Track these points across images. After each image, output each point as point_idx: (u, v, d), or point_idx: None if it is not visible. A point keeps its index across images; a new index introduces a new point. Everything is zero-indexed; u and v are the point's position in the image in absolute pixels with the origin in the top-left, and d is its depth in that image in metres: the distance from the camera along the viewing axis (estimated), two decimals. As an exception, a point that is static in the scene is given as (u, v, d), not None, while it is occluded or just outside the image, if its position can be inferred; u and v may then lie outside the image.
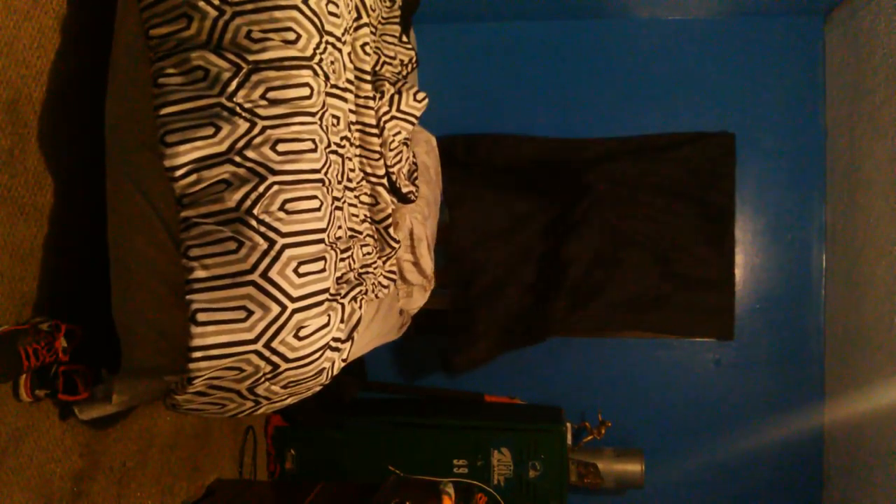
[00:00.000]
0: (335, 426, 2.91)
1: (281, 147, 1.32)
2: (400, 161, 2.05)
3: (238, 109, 1.31)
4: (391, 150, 1.95)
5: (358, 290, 1.59)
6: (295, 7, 1.35)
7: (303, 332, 1.31)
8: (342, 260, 1.57)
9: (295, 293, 1.28)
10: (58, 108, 1.56)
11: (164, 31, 1.36)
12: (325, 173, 1.42)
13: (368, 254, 1.87)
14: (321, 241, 1.35)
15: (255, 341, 1.26)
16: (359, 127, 1.81)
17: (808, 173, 3.07)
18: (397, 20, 2.14)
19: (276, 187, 1.29)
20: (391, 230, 2.01)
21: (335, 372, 1.48)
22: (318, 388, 1.49)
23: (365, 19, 1.76)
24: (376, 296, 1.96)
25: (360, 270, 1.78)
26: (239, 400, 1.42)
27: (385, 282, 2.06)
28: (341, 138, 1.64)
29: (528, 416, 2.95)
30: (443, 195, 2.78)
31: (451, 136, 3.14)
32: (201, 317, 1.24)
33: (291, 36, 1.36)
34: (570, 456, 2.84)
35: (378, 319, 2.09)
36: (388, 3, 2.11)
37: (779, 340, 3.08)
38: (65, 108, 1.58)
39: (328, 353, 1.39)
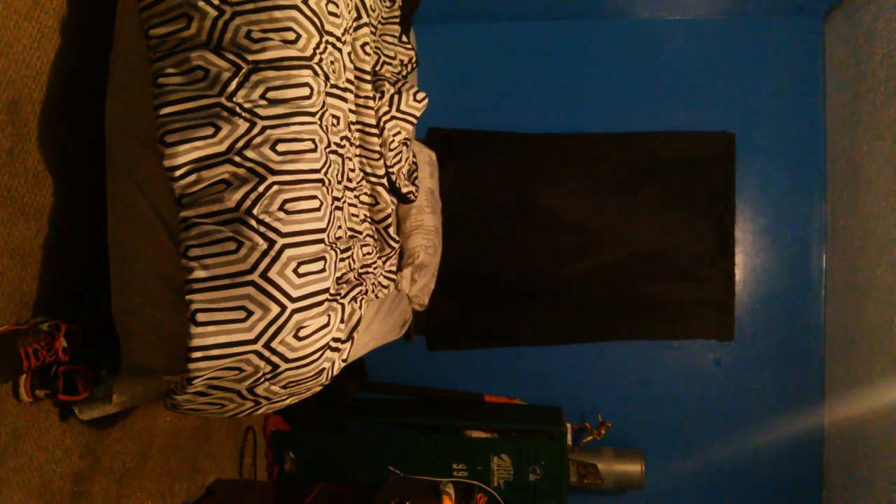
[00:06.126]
0: (334, 429, 2.91)
1: (281, 147, 1.32)
2: (400, 161, 2.05)
3: (238, 109, 1.31)
4: (391, 150, 1.95)
5: (358, 290, 1.59)
6: (295, 7, 1.35)
7: (303, 333, 1.31)
8: (342, 260, 1.57)
9: (295, 293, 1.28)
10: (58, 108, 1.56)
11: (164, 30, 1.36)
12: (325, 173, 1.42)
13: (368, 254, 1.87)
14: (321, 241, 1.35)
15: (254, 341, 1.26)
16: (359, 127, 1.81)
17: (808, 173, 3.07)
18: (397, 20, 2.15)
19: (275, 187, 1.29)
20: (391, 230, 2.01)
21: (335, 372, 1.48)
22: (317, 389, 1.49)
23: (365, 19, 1.76)
24: (376, 296, 1.96)
25: (360, 270, 1.78)
26: (239, 400, 1.42)
27: (385, 282, 2.06)
28: (341, 138, 1.64)
29: (529, 417, 2.95)
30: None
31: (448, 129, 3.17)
32: (201, 317, 1.24)
33: (291, 36, 1.36)
34: (571, 457, 2.84)
35: (378, 319, 2.09)
36: (388, 3, 2.11)
37: (779, 340, 3.08)
38: (65, 108, 1.58)
39: (328, 354, 1.39)
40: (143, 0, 1.38)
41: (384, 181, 1.92)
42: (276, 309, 1.26)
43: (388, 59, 2.07)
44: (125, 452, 1.88)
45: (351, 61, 1.70)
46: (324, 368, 1.41)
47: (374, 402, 3.17)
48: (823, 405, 3.03)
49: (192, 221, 1.29)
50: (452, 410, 3.02)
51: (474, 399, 3.10)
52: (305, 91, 1.37)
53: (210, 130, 1.30)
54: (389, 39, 2.10)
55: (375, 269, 1.94)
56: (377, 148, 1.85)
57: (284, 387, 1.39)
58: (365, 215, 1.91)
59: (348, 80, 1.68)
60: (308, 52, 1.38)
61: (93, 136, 1.54)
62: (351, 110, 1.73)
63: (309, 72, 1.37)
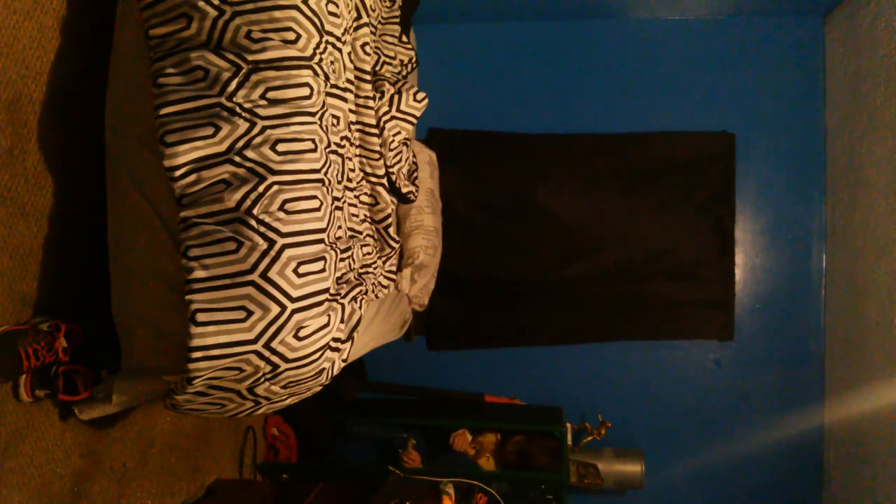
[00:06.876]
0: (325, 454, 2.92)
1: (281, 147, 1.32)
2: (400, 161, 2.05)
3: (238, 109, 1.31)
4: (391, 150, 1.95)
5: (358, 290, 1.59)
6: (295, 7, 1.35)
7: (302, 333, 1.31)
8: (342, 260, 1.57)
9: (295, 293, 1.28)
10: (58, 108, 1.56)
11: (164, 30, 1.36)
12: (325, 173, 1.42)
13: (368, 254, 1.87)
14: (321, 241, 1.35)
15: (254, 341, 1.26)
16: (359, 127, 1.81)
17: (808, 173, 3.07)
18: (397, 20, 2.15)
19: (275, 187, 1.29)
20: (391, 230, 2.01)
21: (335, 372, 1.48)
22: (317, 389, 1.49)
23: (365, 19, 1.76)
24: (376, 296, 1.96)
25: (360, 270, 1.78)
26: (239, 400, 1.42)
27: (385, 282, 2.06)
28: (341, 138, 1.64)
29: (529, 417, 2.95)
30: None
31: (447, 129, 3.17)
32: (201, 317, 1.24)
33: (291, 36, 1.35)
34: (571, 457, 2.84)
35: (378, 319, 2.09)
36: (388, 3, 2.11)
37: (779, 340, 3.08)
38: (65, 108, 1.58)
39: (328, 354, 1.39)
40: (143, 0, 1.38)
41: (384, 181, 1.92)
42: (276, 309, 1.26)
43: (388, 59, 2.07)
44: (125, 452, 1.88)
45: (351, 61, 1.70)
46: (324, 368, 1.41)
47: (374, 402, 3.17)
48: (823, 405, 3.03)
49: (192, 221, 1.29)
50: (452, 410, 3.02)
51: (474, 399, 3.10)
52: (305, 91, 1.37)
53: (210, 130, 1.30)
54: (389, 39, 2.10)
55: (375, 269, 1.94)
56: (377, 148, 1.85)
57: (284, 387, 1.39)
58: (365, 215, 1.91)
59: (348, 80, 1.68)
60: (308, 52, 1.38)
61: (93, 136, 1.54)
62: (351, 110, 1.73)
63: (309, 72, 1.37)
